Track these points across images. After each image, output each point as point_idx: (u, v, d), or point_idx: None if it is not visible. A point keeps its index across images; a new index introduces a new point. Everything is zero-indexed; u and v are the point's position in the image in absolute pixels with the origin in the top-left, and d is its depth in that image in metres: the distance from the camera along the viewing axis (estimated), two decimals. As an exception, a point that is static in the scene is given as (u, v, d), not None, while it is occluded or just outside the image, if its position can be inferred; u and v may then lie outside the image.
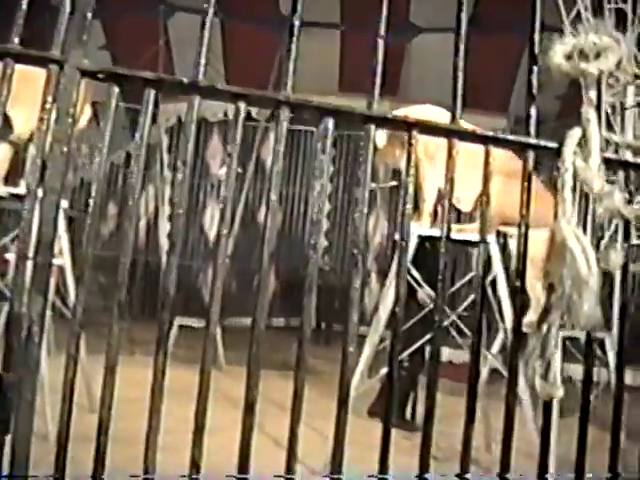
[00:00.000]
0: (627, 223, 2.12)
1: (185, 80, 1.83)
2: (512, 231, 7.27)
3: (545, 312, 1.84)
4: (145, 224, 16.99)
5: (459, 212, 7.51)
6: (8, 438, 1.68)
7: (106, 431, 1.82)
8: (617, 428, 2.24)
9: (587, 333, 2.21)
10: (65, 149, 1.74)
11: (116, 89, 1.83)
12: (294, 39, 1.89)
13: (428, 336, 6.49)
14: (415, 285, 7.22)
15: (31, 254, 1.72)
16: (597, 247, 1.94)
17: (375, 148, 2.05)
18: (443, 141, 2.10)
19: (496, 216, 6.10)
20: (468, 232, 6.67)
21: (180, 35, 15.77)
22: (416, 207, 7.66)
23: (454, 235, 6.83)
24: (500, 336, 7.66)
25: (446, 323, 7.65)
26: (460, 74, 2.03)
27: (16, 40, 1.85)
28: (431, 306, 6.90)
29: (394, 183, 12.61)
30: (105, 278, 11.42)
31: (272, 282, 17.06)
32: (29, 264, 1.68)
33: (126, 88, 1.85)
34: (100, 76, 1.82)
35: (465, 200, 6.71)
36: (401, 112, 6.98)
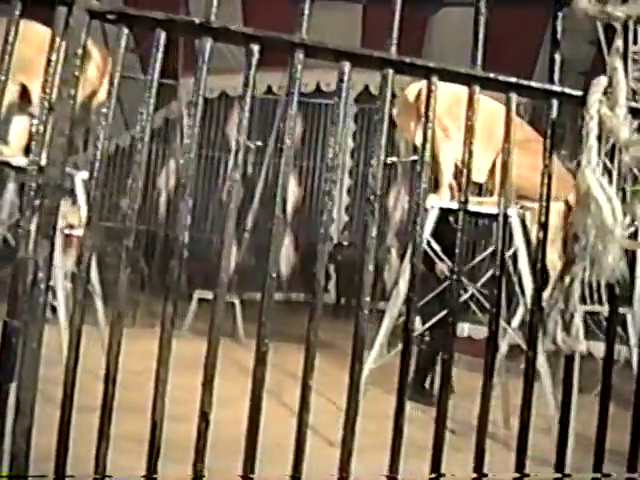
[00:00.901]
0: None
1: (197, 21, 1.77)
2: (528, 204, 7.17)
3: (568, 263, 1.77)
4: (165, 198, 16.97)
5: (480, 185, 7.44)
6: (13, 386, 1.65)
7: (111, 399, 1.79)
8: (638, 407, 2.18)
9: (610, 308, 2.14)
10: (72, 92, 1.69)
11: (126, 30, 1.77)
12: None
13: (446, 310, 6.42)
14: (435, 258, 7.16)
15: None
16: (623, 198, 1.87)
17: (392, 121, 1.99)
18: (457, 112, 2.03)
19: (514, 187, 6.02)
20: (488, 205, 6.60)
21: (200, 8, 15.64)
22: (435, 180, 7.60)
23: (474, 208, 6.73)
24: (520, 311, 7.56)
25: (465, 297, 7.59)
26: (482, 18, 1.95)
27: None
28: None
29: (415, 157, 12.51)
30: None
31: (292, 257, 17.05)
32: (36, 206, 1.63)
33: (137, 31, 1.80)
34: (110, 17, 1.76)
35: (479, 171, 6.66)
36: (416, 86, 6.93)
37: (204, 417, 1.79)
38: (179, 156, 16.33)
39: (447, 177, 7.20)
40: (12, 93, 7.16)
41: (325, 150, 1.89)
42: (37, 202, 1.63)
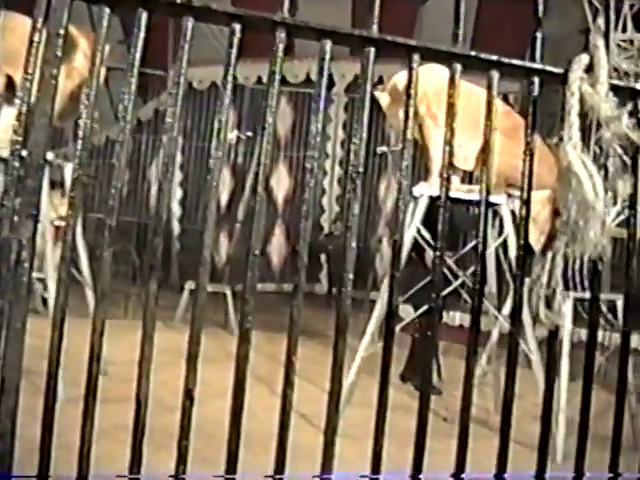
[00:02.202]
0: (636, 151, 2.05)
1: (178, 0, 1.77)
2: (518, 193, 7.17)
3: (550, 238, 1.79)
4: (157, 190, 16.95)
5: (471, 174, 7.45)
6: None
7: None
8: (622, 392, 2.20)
9: (592, 293, 2.14)
10: (54, 72, 1.69)
11: (107, 10, 1.77)
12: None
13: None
14: (426, 246, 7.18)
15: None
16: (605, 175, 1.88)
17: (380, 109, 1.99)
18: (445, 98, 2.04)
19: (500, 176, 6.04)
20: (477, 192, 6.58)
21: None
22: (426, 168, 7.61)
23: (462, 195, 6.74)
24: (511, 298, 7.56)
25: (456, 285, 7.61)
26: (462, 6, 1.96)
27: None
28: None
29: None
30: (117, 243, 11.41)
31: (284, 247, 17.05)
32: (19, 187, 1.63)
33: (122, 16, 1.80)
34: (91, -2, 1.77)
35: (466, 160, 6.69)
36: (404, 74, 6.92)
37: (188, 395, 1.80)
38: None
39: (437, 165, 7.20)
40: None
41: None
42: (20, 183, 1.63)
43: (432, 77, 7.21)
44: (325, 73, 1.85)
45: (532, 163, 1.98)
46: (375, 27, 1.85)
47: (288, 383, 1.83)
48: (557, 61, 2.02)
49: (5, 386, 1.64)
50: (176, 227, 16.16)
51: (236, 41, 1.81)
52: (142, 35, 1.77)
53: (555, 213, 1.79)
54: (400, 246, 2.03)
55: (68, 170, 7.38)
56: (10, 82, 6.52)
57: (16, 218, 1.64)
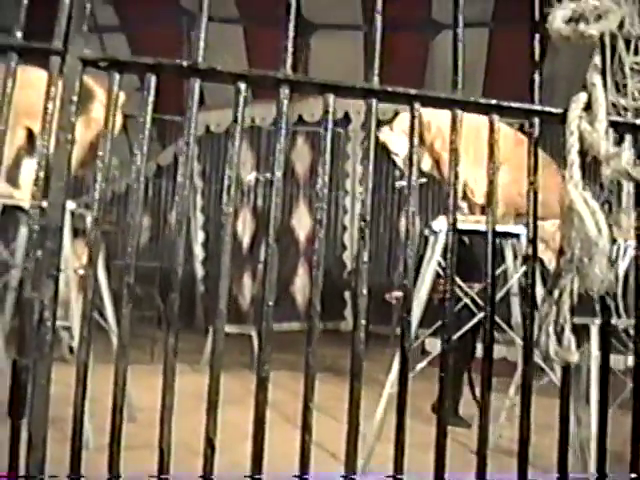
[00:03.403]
0: (638, 186, 2.09)
1: (185, 63, 1.85)
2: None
3: (556, 277, 1.83)
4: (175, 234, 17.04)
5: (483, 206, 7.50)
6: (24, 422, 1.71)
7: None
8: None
9: (603, 318, 2.17)
10: (69, 137, 1.76)
11: (117, 76, 1.85)
12: (292, 17, 1.91)
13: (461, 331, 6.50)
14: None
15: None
16: (609, 210, 1.92)
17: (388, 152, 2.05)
18: (461, 134, 2.09)
19: (510, 205, 6.10)
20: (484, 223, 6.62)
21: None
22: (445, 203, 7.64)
23: (471, 226, 6.75)
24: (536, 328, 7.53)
25: (480, 317, 7.61)
26: (460, 45, 2.02)
27: (19, 34, 1.88)
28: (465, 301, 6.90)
29: (423, 180, 12.58)
30: (140, 288, 11.49)
31: (307, 286, 17.08)
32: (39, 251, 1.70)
33: (127, 74, 1.88)
34: (102, 64, 1.84)
35: (477, 192, 6.77)
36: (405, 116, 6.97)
37: (209, 443, 1.84)
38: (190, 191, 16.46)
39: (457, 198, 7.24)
40: (20, 138, 7.29)
41: (336, 179, 1.97)
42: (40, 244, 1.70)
43: (445, 112, 7.30)
44: (330, 126, 1.92)
45: (536, 203, 2.02)
46: (376, 79, 1.92)
47: (306, 428, 1.88)
48: (573, 90, 2.07)
49: (33, 440, 1.69)
50: (199, 270, 16.22)
51: (242, 100, 1.88)
52: (151, 98, 1.84)
53: (560, 251, 1.83)
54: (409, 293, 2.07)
55: (90, 219, 7.47)
56: (30, 134, 6.65)
57: (37, 278, 1.70)
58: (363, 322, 1.88)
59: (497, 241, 9.26)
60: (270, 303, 1.87)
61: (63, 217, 1.75)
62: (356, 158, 17.13)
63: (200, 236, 16.33)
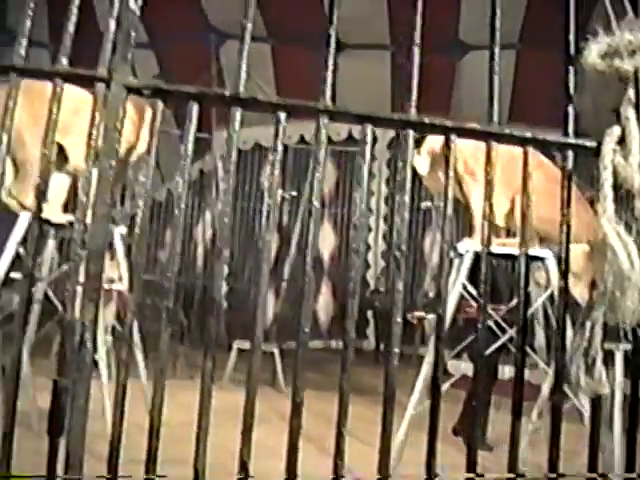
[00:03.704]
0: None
1: (227, 93, 1.89)
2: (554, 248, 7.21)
3: (588, 309, 1.85)
4: (202, 250, 17.15)
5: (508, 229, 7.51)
6: (62, 441, 1.74)
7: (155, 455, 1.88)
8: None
9: (635, 352, 2.18)
10: (113, 162, 1.80)
11: (161, 104, 1.90)
12: (331, 49, 1.95)
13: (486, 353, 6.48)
14: (472, 301, 7.20)
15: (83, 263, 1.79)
16: (641, 243, 1.94)
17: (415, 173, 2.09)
18: (482, 155, 2.12)
19: (535, 230, 6.12)
20: (510, 246, 6.65)
21: (231, 62, 15.97)
22: (470, 224, 7.66)
23: (496, 249, 6.73)
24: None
25: (505, 339, 7.61)
26: (496, 77, 2.05)
27: (64, 61, 1.93)
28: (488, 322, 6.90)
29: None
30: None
31: (331, 304, 17.08)
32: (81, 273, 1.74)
33: (171, 103, 1.92)
34: (145, 92, 1.89)
35: (498, 215, 6.77)
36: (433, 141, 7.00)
37: (243, 467, 1.87)
38: (215, 208, 16.57)
39: (480, 221, 7.24)
40: (51, 153, 7.37)
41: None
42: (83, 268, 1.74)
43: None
44: (367, 156, 1.95)
45: (569, 237, 2.05)
46: (413, 110, 1.95)
47: (338, 454, 1.90)
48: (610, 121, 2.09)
49: (70, 460, 1.73)
50: (223, 286, 16.22)
51: (281, 129, 1.92)
52: (194, 127, 1.89)
53: (592, 285, 1.85)
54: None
55: (117, 233, 7.56)
56: (60, 149, 6.73)
57: (79, 301, 1.74)
58: (396, 350, 1.90)
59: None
60: (306, 330, 1.90)
61: (105, 244, 1.79)
62: (381, 177, 17.17)
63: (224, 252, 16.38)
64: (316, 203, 1.93)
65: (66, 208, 6.93)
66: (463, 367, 7.86)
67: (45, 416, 1.91)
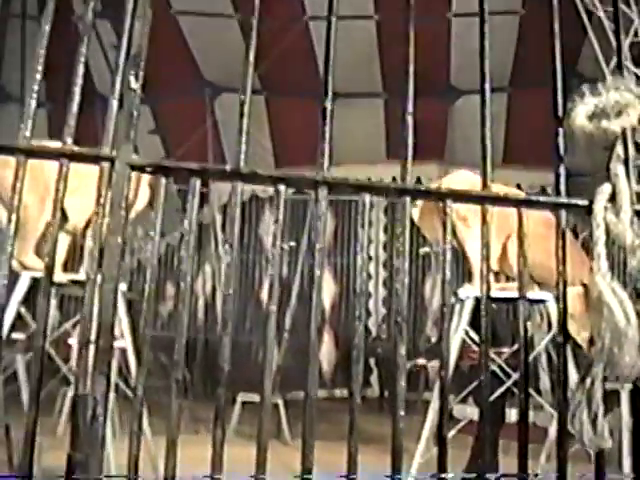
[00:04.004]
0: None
1: (228, 168, 1.95)
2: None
3: (588, 366, 1.89)
4: (203, 303, 17.18)
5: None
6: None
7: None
8: None
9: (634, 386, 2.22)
10: (119, 240, 1.86)
11: (164, 180, 1.96)
12: (327, 121, 2.01)
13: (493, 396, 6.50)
14: (474, 346, 7.24)
15: (93, 338, 1.83)
16: (637, 297, 1.98)
17: (412, 221, 2.15)
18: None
19: (529, 274, 6.19)
20: (510, 290, 6.70)
21: (227, 115, 16.18)
22: (468, 271, 7.71)
23: (497, 294, 6.75)
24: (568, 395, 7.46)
25: (509, 384, 7.62)
26: (488, 142, 2.11)
27: (69, 140, 1.99)
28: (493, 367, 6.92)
29: (427, 250, 12.68)
30: (166, 358, 11.52)
31: (333, 353, 17.05)
32: (91, 348, 1.78)
33: (174, 178, 1.98)
34: (148, 169, 1.95)
35: (492, 260, 6.83)
36: (435, 184, 7.09)
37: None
38: (214, 261, 16.63)
39: (477, 265, 7.31)
40: (48, 212, 7.43)
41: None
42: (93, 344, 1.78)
43: (457, 180, 7.44)
44: (367, 222, 2.00)
45: (565, 294, 2.10)
46: (409, 178, 2.01)
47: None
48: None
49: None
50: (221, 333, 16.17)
51: (282, 201, 1.97)
52: (196, 202, 1.95)
53: (590, 342, 1.90)
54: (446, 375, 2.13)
55: (118, 290, 7.60)
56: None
57: (90, 377, 1.78)
58: (402, 413, 1.94)
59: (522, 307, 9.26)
60: (313, 397, 1.93)
61: (114, 318, 1.83)
62: (379, 225, 17.26)
63: (225, 304, 16.38)
64: (317, 272, 1.97)
65: (65, 267, 7.00)
66: (469, 412, 7.86)
67: (48, 475, 1.94)
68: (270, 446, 2.13)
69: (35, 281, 7.28)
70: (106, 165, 1.95)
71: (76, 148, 1.99)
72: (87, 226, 7.98)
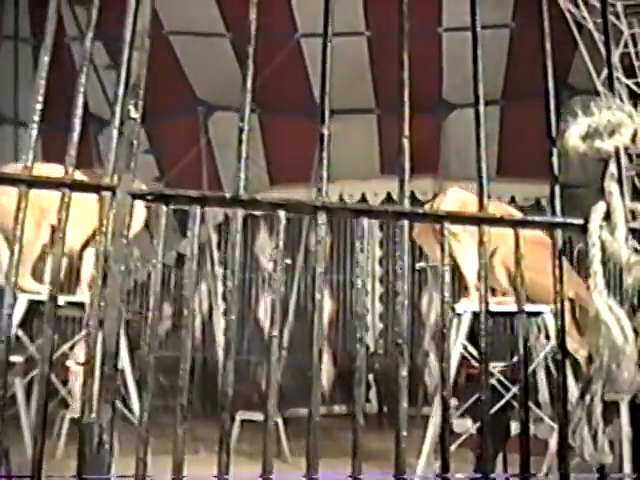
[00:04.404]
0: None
1: (227, 195, 1.98)
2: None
3: (587, 383, 1.91)
4: (200, 321, 17.18)
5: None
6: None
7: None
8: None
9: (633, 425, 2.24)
10: (122, 268, 1.88)
11: (164, 208, 1.98)
12: (325, 147, 2.04)
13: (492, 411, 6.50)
14: (473, 361, 7.28)
15: (98, 364, 1.85)
16: (634, 314, 2.01)
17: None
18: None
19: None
20: (506, 304, 6.76)
21: (220, 133, 16.23)
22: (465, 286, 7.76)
23: (494, 308, 6.83)
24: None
25: (509, 397, 7.66)
26: (483, 165, 2.14)
27: (70, 169, 2.01)
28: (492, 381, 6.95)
29: (423, 265, 12.74)
30: (164, 378, 11.51)
31: (331, 370, 17.04)
32: (96, 375, 1.80)
33: (174, 206, 2.01)
34: (149, 197, 1.98)
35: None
36: (429, 205, 7.14)
37: None
38: (210, 279, 16.63)
39: (472, 280, 7.36)
40: (45, 235, 7.49)
41: (354, 263, 2.11)
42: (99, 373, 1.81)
43: (447, 199, 7.50)
44: (367, 246, 2.03)
45: (563, 313, 2.12)
46: (407, 201, 2.04)
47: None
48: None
49: None
50: (222, 357, 16.18)
51: (282, 227, 2.00)
52: (197, 230, 1.97)
53: (589, 360, 1.92)
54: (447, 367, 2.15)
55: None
56: (54, 232, 6.84)
57: (96, 403, 1.80)
58: (404, 433, 1.96)
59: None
60: (317, 419, 1.95)
61: (118, 345, 1.86)
62: (374, 240, 17.30)
63: (222, 323, 16.37)
64: (318, 295, 1.99)
65: (61, 289, 7.01)
66: (470, 425, 7.88)
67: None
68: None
69: (32, 303, 7.31)
70: (107, 194, 1.97)
71: (77, 178, 2.01)
72: (83, 248, 8.03)
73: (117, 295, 1.89)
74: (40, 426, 1.92)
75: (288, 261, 14.18)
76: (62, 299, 6.84)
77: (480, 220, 2.11)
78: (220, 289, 16.45)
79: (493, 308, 6.74)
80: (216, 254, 16.50)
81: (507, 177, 14.83)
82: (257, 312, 16.91)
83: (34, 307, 7.43)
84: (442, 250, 2.08)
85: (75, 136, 2.06)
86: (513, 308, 2.48)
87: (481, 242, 2.09)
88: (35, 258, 7.66)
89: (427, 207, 6.74)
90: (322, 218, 2.01)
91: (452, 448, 6.01)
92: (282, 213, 2.00)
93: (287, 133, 16.09)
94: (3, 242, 6.48)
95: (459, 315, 7.35)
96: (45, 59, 2.10)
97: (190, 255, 1.98)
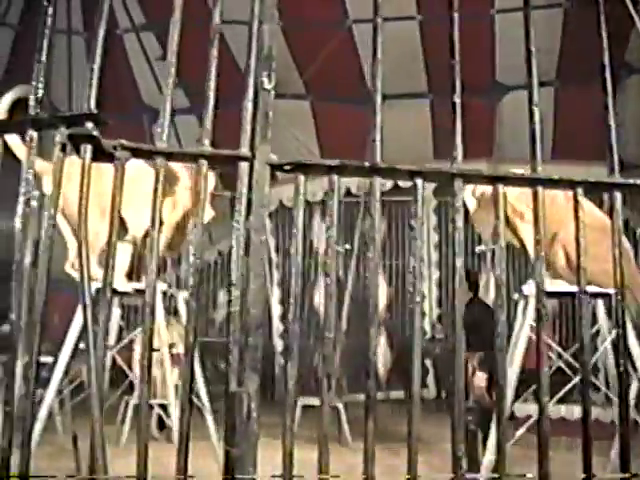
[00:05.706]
0: None
1: (366, 164, 1.99)
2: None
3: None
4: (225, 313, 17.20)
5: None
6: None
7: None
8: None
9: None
10: (263, 238, 1.93)
11: (302, 178, 2.02)
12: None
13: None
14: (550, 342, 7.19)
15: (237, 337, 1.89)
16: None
17: (467, 212, 2.16)
18: (527, 198, 2.18)
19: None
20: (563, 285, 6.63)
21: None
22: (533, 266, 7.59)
23: (564, 289, 6.66)
24: (635, 385, 7.25)
25: (576, 381, 7.51)
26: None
27: (207, 142, 2.05)
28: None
29: (483, 248, 12.60)
30: (223, 363, 11.57)
31: (388, 355, 16.96)
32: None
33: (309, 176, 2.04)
34: (287, 168, 2.01)
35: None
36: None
37: None
38: (266, 265, 16.61)
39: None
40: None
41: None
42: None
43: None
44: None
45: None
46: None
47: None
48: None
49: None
50: (279, 344, 16.21)
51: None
52: (336, 199, 2.00)
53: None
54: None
55: (180, 297, 7.75)
56: (120, 220, 6.91)
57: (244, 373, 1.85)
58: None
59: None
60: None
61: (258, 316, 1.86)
62: (430, 224, 17.16)
63: (278, 309, 16.38)
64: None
65: (130, 277, 7.10)
66: (532, 410, 7.77)
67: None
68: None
69: (99, 292, 7.38)
70: (245, 165, 2.00)
71: (214, 150, 2.04)
72: (147, 236, 8.03)
73: (260, 266, 1.93)
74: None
75: (347, 246, 14.13)
76: (129, 286, 6.91)
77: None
78: (276, 276, 16.47)
79: (562, 289, 6.63)
80: (272, 241, 16.48)
81: (562, 159, 14.60)
82: (314, 298, 16.87)
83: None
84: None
85: (210, 111, 2.08)
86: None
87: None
88: (102, 246, 7.75)
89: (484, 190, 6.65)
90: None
91: (520, 432, 5.93)
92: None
93: (339, 118, 16.03)
94: (70, 232, 6.56)
95: (526, 297, 7.15)
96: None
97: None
